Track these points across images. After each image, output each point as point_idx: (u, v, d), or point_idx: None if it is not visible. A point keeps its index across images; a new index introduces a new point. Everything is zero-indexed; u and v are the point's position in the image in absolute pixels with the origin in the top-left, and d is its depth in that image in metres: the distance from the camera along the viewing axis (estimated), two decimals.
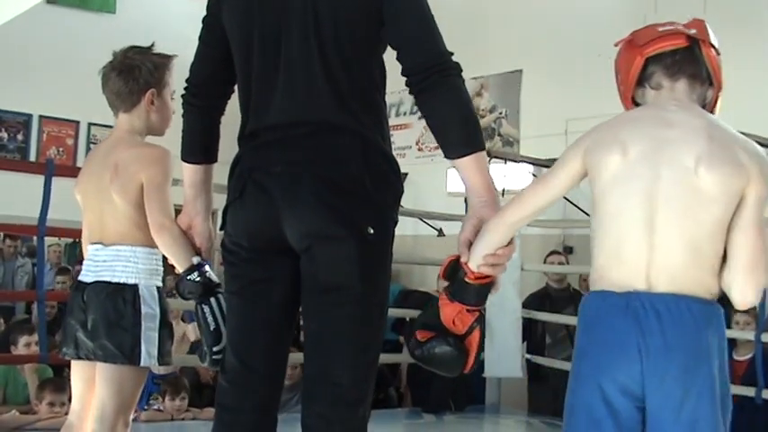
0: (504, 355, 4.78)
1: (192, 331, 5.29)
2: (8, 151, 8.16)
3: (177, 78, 2.24)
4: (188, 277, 2.02)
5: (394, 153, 1.86)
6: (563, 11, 6.88)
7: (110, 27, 8.07)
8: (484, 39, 7.00)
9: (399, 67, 1.78)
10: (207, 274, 2.03)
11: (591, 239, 1.70)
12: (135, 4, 8.52)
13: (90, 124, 8.29)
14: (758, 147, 1.65)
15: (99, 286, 2.24)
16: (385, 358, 4.49)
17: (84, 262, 2.34)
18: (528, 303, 5.22)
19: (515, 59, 7.23)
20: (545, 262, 5.56)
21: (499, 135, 7.43)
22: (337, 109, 1.75)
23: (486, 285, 1.71)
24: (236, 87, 1.91)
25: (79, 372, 2.34)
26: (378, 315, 1.80)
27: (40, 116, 8.27)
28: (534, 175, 6.60)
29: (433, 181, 7.32)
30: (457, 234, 1.78)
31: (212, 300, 1.98)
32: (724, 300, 1.66)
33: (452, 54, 1.73)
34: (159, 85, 2.30)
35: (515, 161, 6.41)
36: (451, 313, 1.73)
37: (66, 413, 2.82)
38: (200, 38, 1.93)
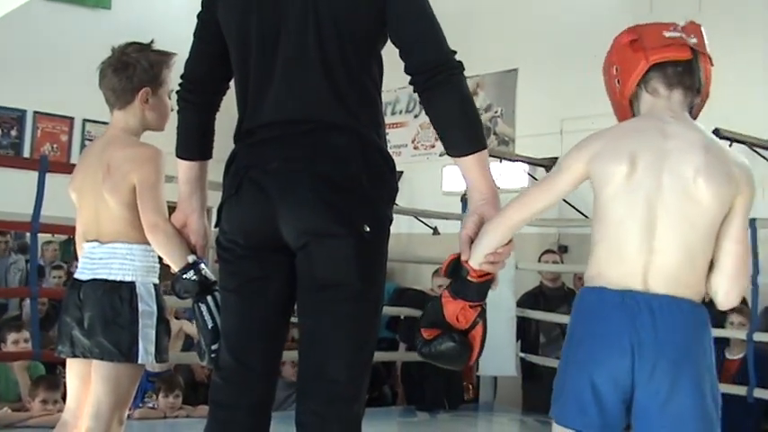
0: (498, 354, 4.78)
1: (189, 326, 5.28)
2: (2, 147, 8.14)
3: (173, 75, 2.24)
4: (184, 276, 2.02)
5: (389, 151, 1.86)
6: (559, 11, 6.89)
7: (105, 23, 8.06)
8: (479, 38, 7.00)
9: (395, 65, 1.79)
10: (203, 272, 2.03)
11: (592, 241, 1.76)
12: (131, 1, 8.50)
13: (85, 120, 8.26)
14: (746, 160, 1.76)
15: (96, 284, 2.24)
16: (379, 356, 4.50)
17: (80, 260, 2.33)
18: (522, 302, 5.23)
19: (511, 58, 7.24)
20: (540, 261, 5.57)
21: (494, 134, 7.44)
22: (335, 107, 1.75)
23: (486, 282, 1.77)
24: (231, 84, 1.91)
25: (75, 370, 2.33)
26: (373, 313, 1.81)
27: (35, 112, 8.25)
28: (529, 174, 6.63)
29: (428, 179, 7.33)
30: (451, 232, 1.79)
31: (209, 298, 1.98)
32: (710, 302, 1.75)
33: (455, 53, 1.74)
34: (155, 83, 2.28)
35: (511, 160, 6.44)
36: (455, 310, 1.77)
37: (60, 411, 2.82)
38: (194, 34, 1.92)
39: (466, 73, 1.75)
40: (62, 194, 2.39)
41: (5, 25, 6.66)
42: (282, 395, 4.26)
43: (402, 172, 6.57)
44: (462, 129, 1.73)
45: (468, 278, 1.75)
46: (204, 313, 1.96)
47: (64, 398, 2.46)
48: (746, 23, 5.76)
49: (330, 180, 1.72)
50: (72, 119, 8.33)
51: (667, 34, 1.75)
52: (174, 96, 1.97)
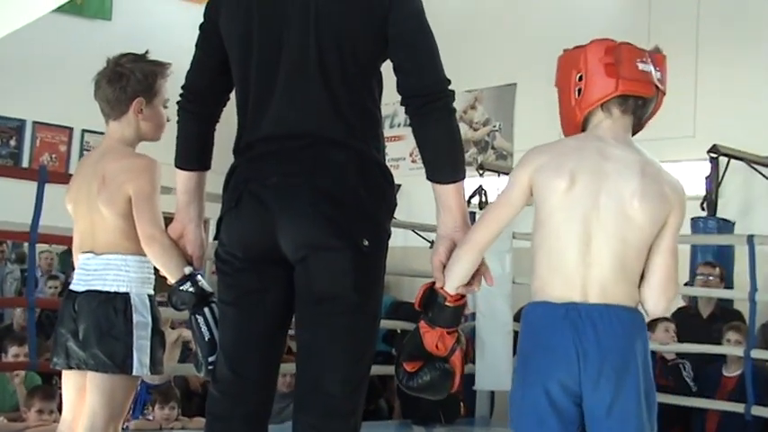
0: (494, 368, 4.77)
1: (188, 333, 5.26)
2: (1, 157, 8.14)
3: (172, 85, 2.24)
4: (181, 288, 2.01)
5: (387, 164, 1.88)
6: (557, 26, 6.91)
7: (105, 34, 8.08)
8: (478, 52, 7.03)
9: (394, 79, 1.79)
10: (200, 283, 2.02)
11: (533, 254, 1.87)
12: (131, 11, 8.52)
13: (83, 131, 8.27)
14: (679, 182, 1.88)
15: (90, 295, 2.23)
16: (376, 370, 4.48)
17: (76, 271, 2.33)
18: (519, 317, 5.21)
19: (510, 73, 7.26)
20: None
21: (493, 148, 7.45)
22: (335, 122, 1.76)
23: (461, 306, 1.85)
24: (232, 95, 1.91)
25: (70, 381, 2.32)
26: (371, 326, 1.82)
27: (34, 122, 8.26)
28: None
29: (426, 193, 7.23)
30: None
31: (206, 309, 1.98)
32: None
33: (450, 82, 1.78)
34: (149, 94, 2.27)
35: (509, 174, 6.45)
36: (434, 339, 1.83)
37: (55, 421, 2.81)
38: (196, 45, 1.93)
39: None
40: (61, 205, 2.38)
41: (5, 35, 6.68)
42: (277, 407, 4.24)
43: (400, 185, 6.57)
44: (450, 158, 1.80)
45: (446, 304, 1.81)
46: (201, 325, 1.95)
47: (60, 408, 2.45)
48: (745, 24, 5.72)
49: (330, 194, 1.73)
50: (71, 129, 8.34)
51: (640, 66, 1.86)
52: (171, 106, 1.97)
